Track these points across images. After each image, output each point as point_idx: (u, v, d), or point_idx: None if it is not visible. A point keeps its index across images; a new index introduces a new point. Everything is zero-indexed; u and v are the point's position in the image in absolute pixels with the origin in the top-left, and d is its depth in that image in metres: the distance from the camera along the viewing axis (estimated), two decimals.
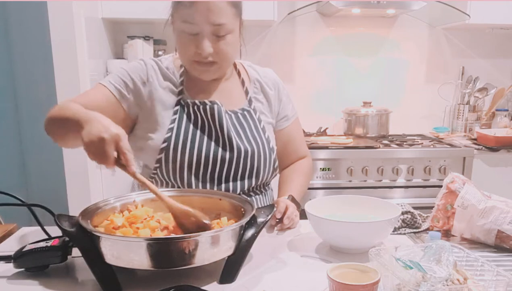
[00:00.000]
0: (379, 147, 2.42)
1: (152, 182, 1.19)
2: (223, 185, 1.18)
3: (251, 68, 1.30)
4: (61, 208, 1.26)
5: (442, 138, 2.72)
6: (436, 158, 2.39)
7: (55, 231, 0.97)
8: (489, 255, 1.01)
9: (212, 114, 1.16)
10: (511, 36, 2.96)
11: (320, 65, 2.91)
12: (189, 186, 1.16)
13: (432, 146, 2.49)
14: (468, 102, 2.88)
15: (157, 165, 1.15)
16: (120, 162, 0.89)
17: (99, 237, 0.81)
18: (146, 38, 2.59)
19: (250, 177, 1.21)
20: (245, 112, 1.22)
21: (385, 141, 2.57)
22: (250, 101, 1.24)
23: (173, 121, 1.15)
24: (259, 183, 1.24)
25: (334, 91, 2.94)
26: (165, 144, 1.13)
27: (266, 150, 1.21)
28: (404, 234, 1.14)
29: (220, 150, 1.16)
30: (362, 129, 2.74)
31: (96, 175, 2.38)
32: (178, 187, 1.17)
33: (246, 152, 1.17)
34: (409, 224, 1.16)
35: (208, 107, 1.16)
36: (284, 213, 1.14)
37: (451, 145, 2.51)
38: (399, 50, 2.94)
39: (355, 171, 2.36)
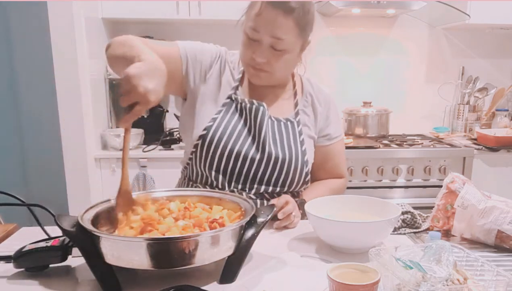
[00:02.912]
0: (379, 147, 2.42)
1: (186, 169, 1.28)
2: (248, 184, 1.21)
3: (308, 82, 1.34)
4: (61, 208, 1.27)
5: (442, 138, 2.72)
6: (436, 158, 2.39)
7: (55, 231, 0.97)
8: (489, 255, 1.01)
9: (256, 115, 1.20)
10: (511, 36, 2.96)
11: (320, 65, 2.91)
12: (216, 179, 1.21)
13: (432, 146, 2.49)
14: (468, 102, 2.89)
15: (194, 150, 1.21)
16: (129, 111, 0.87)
17: (99, 237, 0.81)
18: (146, 38, 2.59)
19: (276, 183, 1.23)
20: (288, 123, 1.26)
21: (385, 142, 2.57)
22: (296, 113, 1.28)
23: (218, 112, 1.21)
24: (285, 190, 1.26)
25: (334, 91, 2.92)
26: (204, 132, 1.18)
27: (299, 161, 1.23)
28: (404, 234, 1.13)
29: (252, 149, 1.20)
30: (362, 129, 2.74)
31: (96, 175, 2.38)
32: (207, 179, 1.22)
33: (276, 157, 1.20)
34: (409, 224, 1.16)
35: (254, 107, 1.20)
36: (281, 208, 1.14)
37: (451, 145, 2.51)
38: (399, 50, 2.94)
39: (355, 171, 2.36)
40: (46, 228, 1.06)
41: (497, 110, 2.93)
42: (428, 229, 1.15)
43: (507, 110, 2.96)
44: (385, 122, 2.78)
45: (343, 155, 1.42)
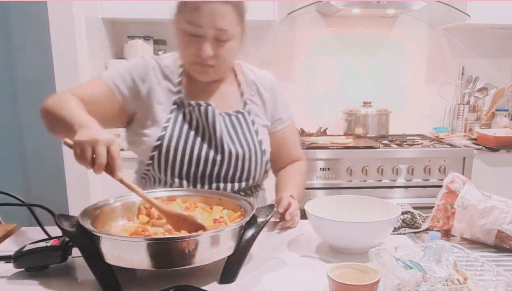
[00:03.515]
0: (379, 147, 2.42)
1: (144, 179, 1.25)
2: (214, 184, 1.20)
3: (249, 70, 1.31)
4: (61, 208, 1.26)
5: (442, 138, 2.72)
6: (436, 158, 2.39)
7: (55, 231, 0.97)
8: (489, 255, 1.01)
9: (206, 116, 1.18)
10: (511, 36, 2.96)
11: (320, 65, 2.91)
12: (180, 184, 1.19)
13: (432, 146, 2.49)
14: (468, 102, 2.89)
15: (150, 162, 1.18)
16: (108, 168, 0.91)
17: (99, 237, 0.81)
18: (146, 38, 2.59)
19: (240, 179, 1.23)
20: (239, 115, 1.24)
21: (385, 141, 2.57)
22: (245, 104, 1.26)
23: (168, 120, 1.18)
24: (250, 184, 1.26)
25: (334, 91, 2.94)
26: (158, 142, 1.16)
27: (257, 152, 1.23)
28: (404, 234, 1.14)
29: (211, 151, 1.18)
30: (362, 129, 2.74)
31: (96, 175, 2.38)
32: (171, 185, 1.20)
33: (237, 154, 1.19)
34: (409, 224, 1.16)
35: (202, 109, 1.18)
36: (287, 209, 1.14)
37: (451, 145, 2.51)
38: (399, 50, 2.94)
39: (355, 171, 2.36)
40: (46, 228, 1.06)
41: (497, 110, 2.93)
42: (428, 229, 1.15)
43: (507, 110, 2.95)
44: (385, 122, 2.77)
45: (297, 137, 1.41)
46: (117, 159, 0.90)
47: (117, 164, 0.90)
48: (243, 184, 1.24)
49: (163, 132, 1.16)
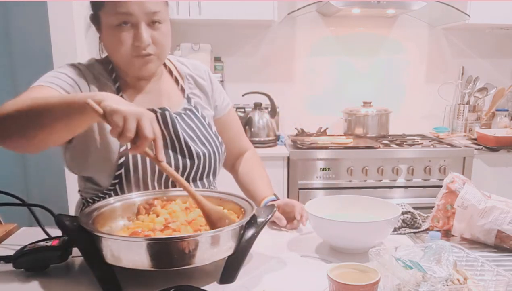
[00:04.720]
0: (379, 147, 2.42)
1: (99, 200, 1.11)
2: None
3: (180, 63, 1.25)
4: (61, 208, 1.26)
5: (442, 138, 2.73)
6: (436, 158, 2.40)
7: (55, 231, 0.97)
8: (489, 255, 1.01)
9: (165, 122, 1.11)
10: (511, 36, 2.96)
11: (320, 65, 2.91)
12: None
13: (432, 146, 2.49)
14: (468, 102, 2.89)
15: (116, 181, 1.09)
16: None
17: (99, 237, 0.81)
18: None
19: (208, 175, 1.20)
20: (188, 112, 1.18)
21: (385, 141, 2.57)
22: (188, 99, 1.20)
23: None
24: (216, 177, 1.24)
25: (334, 91, 2.95)
26: (123, 159, 1.06)
27: (218, 146, 1.20)
28: (404, 234, 1.13)
29: (179, 157, 1.12)
30: (362, 129, 2.75)
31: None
32: None
33: (204, 156, 1.15)
34: (409, 224, 1.16)
35: (159, 115, 1.10)
36: (290, 212, 1.16)
37: (451, 145, 2.51)
38: (399, 50, 2.94)
39: (355, 171, 2.36)
40: (46, 228, 1.06)
41: (497, 110, 2.93)
42: (428, 229, 1.15)
43: (507, 110, 2.95)
44: (385, 122, 2.78)
45: (240, 125, 1.36)
46: (161, 139, 0.83)
47: (161, 144, 0.83)
48: (211, 179, 1.22)
49: (124, 147, 1.06)
